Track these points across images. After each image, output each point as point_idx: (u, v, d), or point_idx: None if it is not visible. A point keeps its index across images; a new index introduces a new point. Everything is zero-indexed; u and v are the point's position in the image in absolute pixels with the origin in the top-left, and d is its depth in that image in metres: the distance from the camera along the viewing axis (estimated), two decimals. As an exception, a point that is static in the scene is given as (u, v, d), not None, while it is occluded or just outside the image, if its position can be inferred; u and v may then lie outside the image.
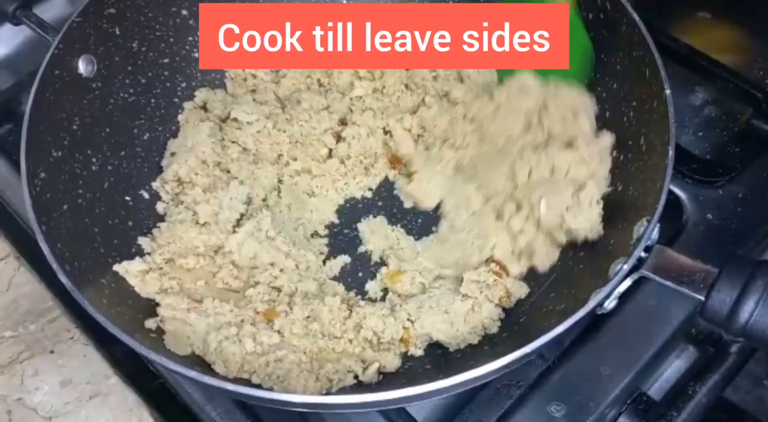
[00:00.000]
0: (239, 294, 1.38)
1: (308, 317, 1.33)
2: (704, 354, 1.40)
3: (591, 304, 1.06)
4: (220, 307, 1.32)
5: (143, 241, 1.41)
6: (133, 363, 1.37)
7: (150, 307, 1.31)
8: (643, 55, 1.28)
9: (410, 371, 1.31)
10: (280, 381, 1.22)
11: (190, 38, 1.62)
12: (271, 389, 1.20)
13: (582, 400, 1.25)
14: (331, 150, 1.60)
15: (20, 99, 1.70)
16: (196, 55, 1.64)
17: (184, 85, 1.64)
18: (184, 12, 1.59)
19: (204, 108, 1.65)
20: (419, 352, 1.31)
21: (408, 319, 1.32)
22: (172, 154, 1.56)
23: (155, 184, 1.52)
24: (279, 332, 1.30)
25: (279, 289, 1.40)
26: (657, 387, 1.41)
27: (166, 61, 1.59)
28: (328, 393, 1.22)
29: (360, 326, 1.32)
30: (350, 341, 1.31)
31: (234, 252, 1.40)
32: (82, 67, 1.41)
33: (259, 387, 1.20)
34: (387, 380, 1.28)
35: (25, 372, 1.35)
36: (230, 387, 1.05)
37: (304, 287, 1.40)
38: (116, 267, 1.32)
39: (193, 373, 1.07)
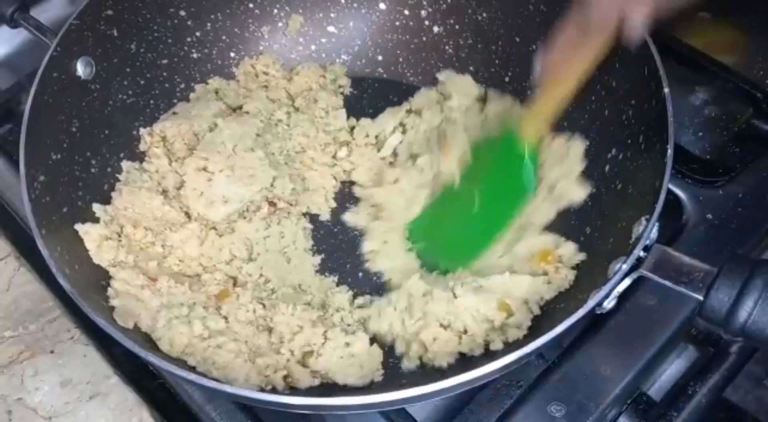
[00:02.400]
0: (194, 278, 1.39)
1: (254, 302, 1.34)
2: (704, 354, 1.40)
3: (590, 304, 1.07)
4: (175, 288, 1.33)
5: (98, 208, 1.39)
6: (133, 363, 1.37)
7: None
8: (642, 54, 1.28)
9: (410, 372, 1.31)
10: (216, 367, 1.21)
11: (189, 39, 1.63)
12: (271, 391, 1.20)
13: (582, 400, 1.25)
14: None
15: (20, 99, 1.70)
16: (195, 55, 1.64)
17: (183, 86, 1.64)
18: (182, 13, 1.59)
19: (215, 93, 1.66)
20: (315, 383, 1.27)
21: (312, 350, 1.29)
22: (174, 113, 1.58)
23: (142, 130, 1.54)
24: (225, 318, 1.30)
25: (234, 278, 1.40)
26: (657, 387, 1.41)
27: (164, 62, 1.60)
28: (326, 395, 1.22)
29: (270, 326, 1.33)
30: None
31: (177, 249, 1.41)
32: (81, 69, 1.41)
33: (260, 389, 1.21)
34: (387, 381, 1.28)
35: (25, 372, 1.35)
36: (229, 389, 1.06)
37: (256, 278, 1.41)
38: (77, 227, 1.32)
39: (193, 376, 1.07)
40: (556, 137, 1.48)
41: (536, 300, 1.32)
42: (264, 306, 1.34)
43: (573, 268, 1.36)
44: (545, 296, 1.33)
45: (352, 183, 1.59)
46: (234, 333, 1.29)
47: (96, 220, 1.37)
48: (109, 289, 1.29)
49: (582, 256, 1.36)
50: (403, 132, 1.62)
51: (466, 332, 1.30)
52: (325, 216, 1.56)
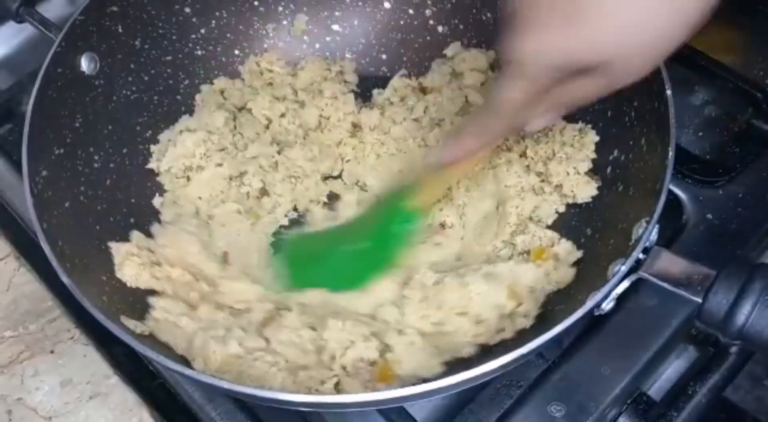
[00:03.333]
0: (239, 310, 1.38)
1: (303, 328, 1.32)
2: (704, 354, 1.40)
3: (588, 305, 1.07)
4: (214, 314, 1.32)
5: (137, 236, 1.40)
6: (133, 363, 1.37)
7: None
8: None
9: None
10: (251, 379, 1.21)
11: (193, 36, 1.63)
12: (271, 388, 1.20)
13: (582, 400, 1.25)
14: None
15: (20, 99, 1.70)
16: (199, 52, 1.64)
17: (186, 82, 1.64)
18: (187, 10, 1.59)
19: (221, 93, 1.66)
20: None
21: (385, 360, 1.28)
22: (180, 132, 1.57)
23: (155, 165, 1.54)
24: (266, 339, 1.29)
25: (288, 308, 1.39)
26: (657, 387, 1.41)
27: (168, 58, 1.60)
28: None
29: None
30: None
31: (226, 295, 1.40)
32: (85, 64, 1.41)
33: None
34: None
35: (25, 372, 1.36)
36: (226, 385, 1.05)
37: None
38: (111, 244, 1.34)
39: (189, 371, 1.07)
40: (567, 126, 1.49)
41: (541, 289, 1.33)
42: (314, 329, 1.32)
43: (573, 266, 1.36)
44: (546, 288, 1.34)
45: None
46: (275, 352, 1.27)
47: (103, 220, 1.39)
48: (147, 315, 1.29)
49: (579, 254, 1.36)
50: (425, 111, 1.62)
51: (480, 320, 1.31)
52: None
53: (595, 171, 1.44)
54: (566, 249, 1.37)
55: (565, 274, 1.34)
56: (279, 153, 1.56)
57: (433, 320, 1.31)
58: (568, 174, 1.43)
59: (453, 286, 1.33)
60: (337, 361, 1.26)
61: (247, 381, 1.20)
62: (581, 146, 1.45)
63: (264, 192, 1.55)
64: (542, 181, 1.47)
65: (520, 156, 1.51)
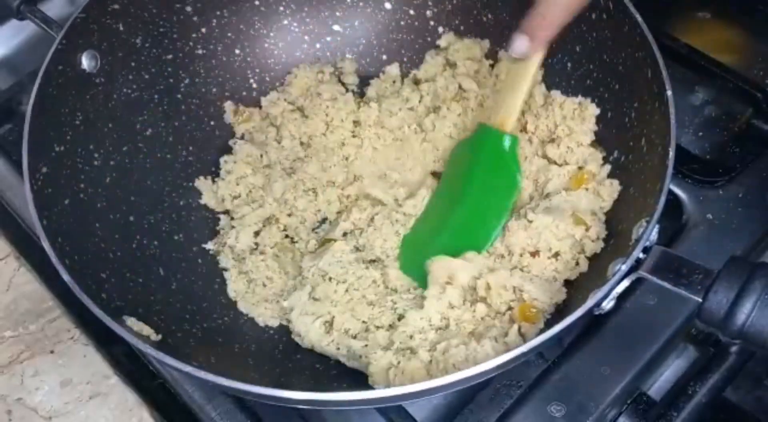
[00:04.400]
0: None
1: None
2: (704, 354, 1.40)
3: (589, 304, 1.06)
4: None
5: None
6: (133, 363, 1.37)
7: (148, 303, 1.32)
8: (645, 56, 1.28)
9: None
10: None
11: (194, 35, 1.62)
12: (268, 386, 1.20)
13: (582, 400, 1.25)
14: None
15: (20, 99, 1.71)
16: (200, 51, 1.64)
17: (187, 81, 1.64)
18: (188, 8, 1.59)
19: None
20: None
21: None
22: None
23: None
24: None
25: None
26: (657, 387, 1.41)
27: (169, 57, 1.59)
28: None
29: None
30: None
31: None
32: (86, 62, 1.41)
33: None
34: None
35: (25, 372, 1.36)
36: (225, 382, 1.05)
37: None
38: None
39: (189, 368, 1.07)
40: (567, 100, 1.49)
41: (599, 208, 1.35)
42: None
43: (609, 177, 1.39)
44: (603, 206, 1.36)
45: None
46: (457, 335, 1.27)
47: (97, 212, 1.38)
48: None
49: (608, 168, 1.40)
50: (420, 100, 1.63)
51: (555, 254, 1.33)
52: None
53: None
54: (596, 163, 1.41)
55: (610, 188, 1.37)
56: (291, 169, 1.58)
57: (507, 267, 1.33)
58: (571, 149, 1.44)
59: (517, 228, 1.35)
60: (499, 310, 1.29)
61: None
62: (582, 119, 1.45)
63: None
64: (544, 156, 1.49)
65: (521, 131, 1.51)
